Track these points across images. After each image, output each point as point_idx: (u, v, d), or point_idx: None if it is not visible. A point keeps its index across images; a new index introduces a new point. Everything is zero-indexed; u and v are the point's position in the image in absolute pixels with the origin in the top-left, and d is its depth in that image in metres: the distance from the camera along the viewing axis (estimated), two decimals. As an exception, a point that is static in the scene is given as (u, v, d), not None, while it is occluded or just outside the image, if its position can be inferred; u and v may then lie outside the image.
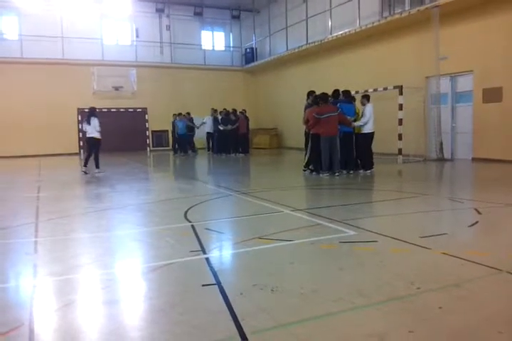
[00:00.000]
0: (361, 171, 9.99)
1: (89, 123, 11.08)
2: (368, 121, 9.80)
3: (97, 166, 11.34)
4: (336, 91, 10.12)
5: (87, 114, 11.45)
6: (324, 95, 9.54)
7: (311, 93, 10.25)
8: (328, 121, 9.25)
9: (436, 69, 12.20)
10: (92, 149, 11.41)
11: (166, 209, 6.30)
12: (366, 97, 10.11)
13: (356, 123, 9.85)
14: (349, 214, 5.55)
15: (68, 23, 19.23)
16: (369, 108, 9.81)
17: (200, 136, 19.49)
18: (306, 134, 10.13)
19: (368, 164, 10.04)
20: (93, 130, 11.11)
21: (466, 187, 8.26)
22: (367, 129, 9.91)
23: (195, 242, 4.24)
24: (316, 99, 9.68)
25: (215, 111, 18.39)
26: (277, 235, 4.45)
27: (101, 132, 11.26)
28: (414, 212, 5.67)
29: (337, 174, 9.39)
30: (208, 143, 19.14)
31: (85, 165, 11.32)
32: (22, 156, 18.08)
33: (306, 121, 9.72)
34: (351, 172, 9.87)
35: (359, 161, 10.19)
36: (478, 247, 3.96)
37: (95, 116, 11.21)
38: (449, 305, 2.65)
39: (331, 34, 15.98)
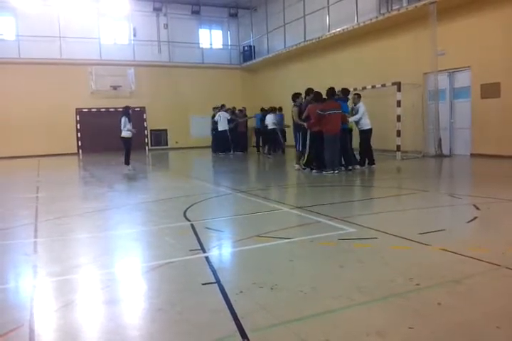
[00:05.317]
0: (365, 167, 10.14)
1: (120, 122, 11.43)
2: (361, 117, 10.11)
3: (126, 163, 11.65)
4: (331, 89, 10.12)
5: (121, 113, 11.78)
6: (331, 90, 9.54)
7: (310, 90, 10.29)
8: (331, 118, 9.22)
9: (434, 66, 12.19)
10: (124, 147, 11.76)
11: (165, 208, 6.30)
12: (359, 96, 10.42)
13: (351, 119, 10.10)
14: (348, 212, 5.56)
15: (65, 22, 19.17)
16: (362, 106, 10.17)
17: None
18: (297, 130, 10.20)
19: (372, 159, 10.22)
20: (122, 129, 11.44)
21: (465, 183, 8.27)
22: (366, 126, 10.20)
23: (194, 241, 4.24)
24: (317, 96, 9.65)
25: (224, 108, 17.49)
26: (277, 233, 4.45)
27: (131, 131, 11.55)
28: (413, 209, 5.68)
29: (337, 171, 9.39)
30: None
31: (127, 164, 11.67)
32: (20, 157, 18.05)
33: (306, 118, 9.66)
34: (350, 168, 9.92)
35: (360, 157, 10.33)
36: (477, 243, 3.96)
37: (126, 115, 11.49)
38: (448, 301, 2.66)
39: (328, 31, 15.94)
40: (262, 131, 16.51)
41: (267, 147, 15.88)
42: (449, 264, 3.33)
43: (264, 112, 16.84)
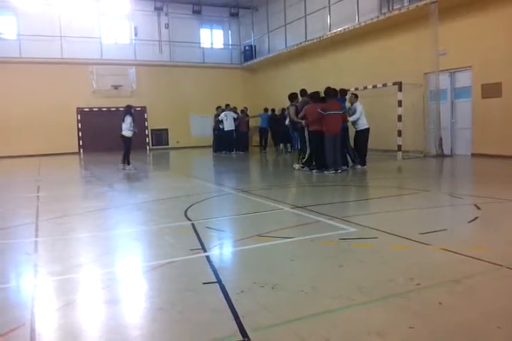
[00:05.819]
0: (359, 166, 10.13)
1: (123, 121, 11.39)
2: (359, 117, 10.14)
3: (124, 162, 11.59)
4: (333, 90, 10.12)
5: (123, 112, 11.76)
6: (332, 90, 9.53)
7: (304, 91, 10.38)
8: (332, 118, 9.22)
9: (435, 65, 12.18)
10: (124, 147, 11.65)
11: (166, 207, 6.29)
12: (355, 96, 10.45)
13: (350, 119, 10.14)
14: (349, 211, 5.56)
15: (66, 22, 19.19)
16: (359, 106, 10.19)
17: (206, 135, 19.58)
18: (295, 129, 10.24)
19: (363, 159, 10.26)
20: (124, 128, 11.37)
21: (466, 183, 8.26)
22: (363, 126, 10.22)
23: (195, 240, 4.24)
24: (315, 96, 9.66)
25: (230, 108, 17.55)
26: (277, 232, 4.45)
27: (133, 131, 11.51)
28: (414, 208, 5.68)
29: (339, 171, 9.39)
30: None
31: (128, 164, 11.58)
32: (21, 156, 18.07)
33: (303, 117, 9.66)
34: (350, 166, 9.96)
35: (355, 157, 10.36)
36: (478, 243, 3.96)
37: (130, 114, 11.47)
38: (448, 300, 2.65)
39: (329, 31, 15.95)
40: (279, 129, 16.60)
41: (289, 145, 16.28)
42: (449, 264, 3.33)
43: (272, 112, 17.11)
